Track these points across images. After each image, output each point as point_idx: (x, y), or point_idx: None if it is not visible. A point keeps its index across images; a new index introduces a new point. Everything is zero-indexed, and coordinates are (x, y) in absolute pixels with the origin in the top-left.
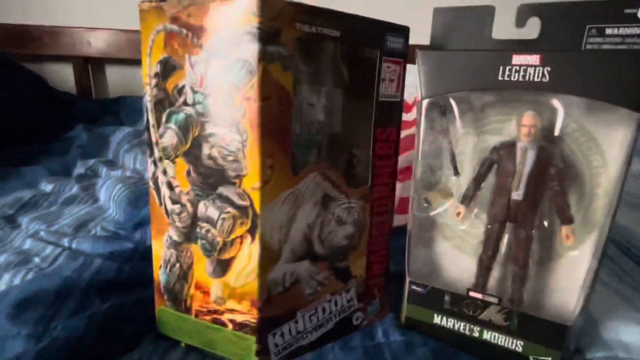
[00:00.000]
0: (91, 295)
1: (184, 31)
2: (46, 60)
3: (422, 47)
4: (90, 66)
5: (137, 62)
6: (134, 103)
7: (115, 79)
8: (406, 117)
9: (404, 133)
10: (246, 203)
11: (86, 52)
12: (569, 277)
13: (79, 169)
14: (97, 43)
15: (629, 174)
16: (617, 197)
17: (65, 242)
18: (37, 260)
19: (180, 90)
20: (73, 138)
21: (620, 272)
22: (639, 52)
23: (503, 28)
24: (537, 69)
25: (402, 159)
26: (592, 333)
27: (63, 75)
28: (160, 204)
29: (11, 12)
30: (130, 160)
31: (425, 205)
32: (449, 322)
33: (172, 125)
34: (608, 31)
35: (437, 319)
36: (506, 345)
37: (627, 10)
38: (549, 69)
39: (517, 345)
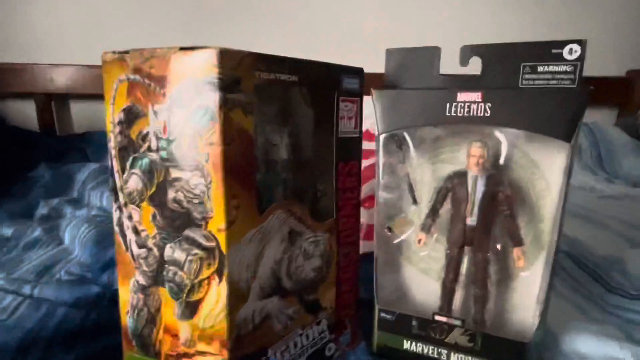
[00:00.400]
0: (55, 347)
1: (147, 81)
2: (7, 97)
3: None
4: (54, 102)
5: (102, 97)
6: (101, 138)
7: (81, 114)
8: (372, 145)
9: (369, 161)
10: (213, 244)
11: (49, 88)
12: (525, 296)
13: (42, 210)
14: (60, 79)
15: (582, 189)
16: (559, 217)
17: (27, 289)
18: None
19: (145, 137)
20: (36, 177)
21: (575, 284)
22: (565, 89)
23: (449, 66)
24: (479, 104)
25: (369, 187)
26: (552, 347)
27: (25, 112)
28: (127, 249)
29: None
30: (97, 198)
31: (389, 234)
32: (418, 347)
33: (136, 170)
34: (540, 69)
35: (406, 345)
36: None
37: (554, 51)
38: (489, 104)
39: None
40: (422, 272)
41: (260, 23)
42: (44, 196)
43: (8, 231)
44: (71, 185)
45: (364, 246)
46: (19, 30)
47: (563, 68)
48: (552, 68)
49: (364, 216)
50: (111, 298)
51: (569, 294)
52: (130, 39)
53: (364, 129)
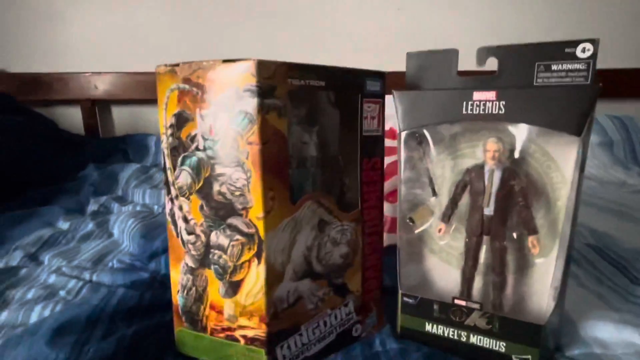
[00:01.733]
0: (117, 321)
1: (194, 89)
2: (56, 104)
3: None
4: (97, 107)
5: (141, 102)
6: (140, 140)
7: (121, 118)
8: (394, 143)
9: (392, 158)
10: (252, 231)
11: (93, 94)
12: (541, 282)
13: (92, 206)
14: (103, 86)
15: (613, 183)
16: (572, 207)
17: (87, 275)
18: (62, 293)
19: (193, 138)
20: (85, 177)
21: (600, 276)
22: (574, 86)
23: (468, 66)
24: (494, 103)
25: (392, 183)
26: (571, 332)
27: (71, 118)
28: (177, 235)
29: (22, 61)
30: (139, 196)
31: (410, 224)
32: (439, 329)
33: (186, 167)
34: (554, 67)
35: (428, 327)
36: (491, 347)
37: (567, 50)
38: (503, 102)
39: (500, 346)
40: (442, 261)
41: (277, 27)
42: (93, 194)
43: (65, 225)
44: (116, 184)
45: (388, 238)
46: (64, 42)
47: (576, 66)
48: (565, 66)
49: (389, 210)
50: (161, 281)
51: (592, 285)
52: (163, 46)
53: (387, 127)
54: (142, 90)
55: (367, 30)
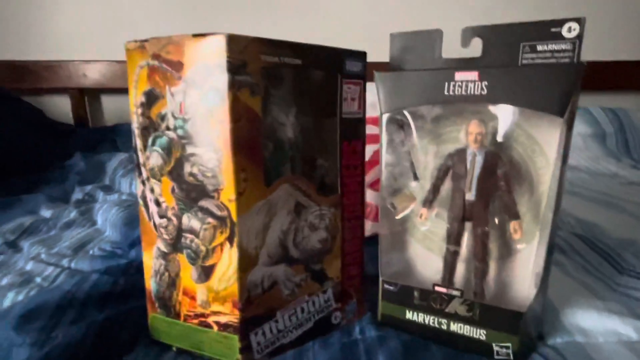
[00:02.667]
0: (89, 307)
1: (164, 66)
2: (44, 93)
3: (382, 66)
4: (87, 97)
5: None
6: (130, 130)
7: (111, 107)
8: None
9: (377, 146)
10: (224, 213)
11: (82, 83)
12: (523, 269)
13: (77, 195)
14: (92, 74)
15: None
16: (555, 192)
17: (65, 262)
18: (38, 280)
19: (163, 117)
20: (71, 166)
21: (587, 265)
22: (557, 65)
23: (452, 49)
24: (476, 83)
25: (377, 171)
26: (554, 321)
27: (60, 107)
28: (149, 219)
29: (10, 49)
30: (126, 185)
31: (392, 209)
32: (420, 317)
33: (157, 148)
34: (539, 47)
35: (409, 315)
36: (471, 334)
37: (553, 29)
38: (486, 83)
39: (480, 334)
40: (425, 248)
41: (268, 12)
42: (79, 183)
43: (47, 213)
44: (103, 173)
45: (372, 227)
46: (53, 29)
47: (562, 46)
48: (551, 47)
49: (374, 199)
50: (138, 268)
51: (579, 274)
52: (153, 33)
53: (373, 114)
54: None
55: (357, 18)
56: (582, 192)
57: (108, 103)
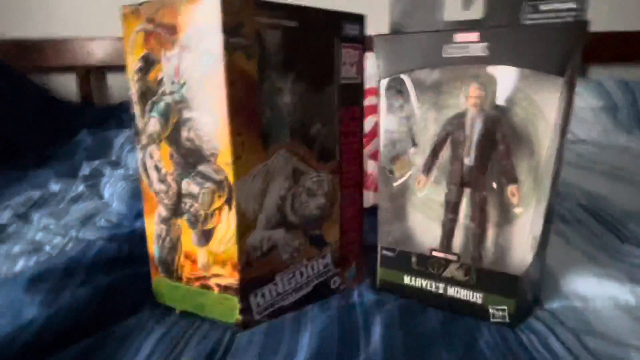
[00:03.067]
0: (95, 271)
1: (159, 30)
2: (50, 71)
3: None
4: (92, 74)
5: None
6: None
7: (117, 85)
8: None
9: (376, 118)
10: (222, 177)
11: (87, 61)
12: (521, 233)
13: (85, 170)
14: (97, 52)
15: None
16: (555, 157)
17: (73, 232)
18: (47, 248)
19: (160, 82)
20: (79, 142)
21: (590, 235)
22: (559, 23)
23: (453, 11)
24: (476, 45)
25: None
26: (552, 286)
27: (66, 85)
28: (149, 185)
29: (16, 27)
30: (133, 160)
31: (390, 175)
32: (417, 281)
33: (154, 114)
34: (542, 7)
35: (406, 280)
36: (468, 298)
37: None
38: (486, 44)
39: (477, 297)
40: (423, 214)
41: None
42: (86, 158)
43: (56, 187)
44: (110, 149)
45: (374, 197)
46: (57, 6)
47: (568, 5)
48: (555, 5)
49: (374, 169)
50: (142, 236)
51: (581, 244)
52: None
53: (373, 86)
54: None
55: None
56: (590, 165)
57: (113, 81)
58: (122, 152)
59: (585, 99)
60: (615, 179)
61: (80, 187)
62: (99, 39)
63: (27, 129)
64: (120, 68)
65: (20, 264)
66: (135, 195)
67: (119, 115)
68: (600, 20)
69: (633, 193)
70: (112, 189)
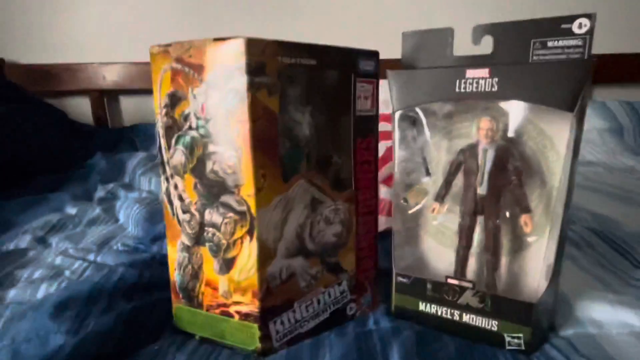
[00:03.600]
0: (117, 298)
1: (187, 69)
2: (65, 95)
3: (394, 62)
4: (106, 98)
5: (148, 92)
6: (148, 129)
7: (129, 108)
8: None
9: (388, 143)
10: (244, 208)
11: (101, 85)
12: (535, 261)
13: (100, 193)
14: (111, 76)
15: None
16: (567, 186)
17: (91, 257)
18: (67, 273)
19: (186, 117)
20: (93, 165)
21: (601, 259)
22: (567, 61)
23: (463, 46)
24: (487, 80)
25: (391, 167)
26: (567, 313)
27: (81, 108)
28: (173, 214)
29: (32, 53)
30: (146, 183)
31: (405, 204)
32: (432, 308)
33: (180, 146)
34: (550, 44)
35: (422, 306)
36: (483, 325)
37: (563, 26)
38: (497, 79)
39: (492, 325)
40: (437, 241)
41: (282, 12)
42: (100, 181)
43: (73, 210)
44: (123, 172)
45: (386, 222)
46: (72, 33)
47: (573, 42)
48: (561, 43)
49: (387, 194)
50: (161, 261)
51: (593, 268)
52: (171, 36)
53: (386, 112)
54: (150, 80)
55: (370, 17)
56: (598, 186)
57: (126, 104)
58: (135, 175)
59: (591, 121)
60: (624, 201)
61: (97, 210)
62: (112, 64)
63: (43, 152)
64: (133, 91)
65: (42, 290)
66: (150, 218)
67: (131, 138)
68: (604, 42)
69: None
70: (127, 212)
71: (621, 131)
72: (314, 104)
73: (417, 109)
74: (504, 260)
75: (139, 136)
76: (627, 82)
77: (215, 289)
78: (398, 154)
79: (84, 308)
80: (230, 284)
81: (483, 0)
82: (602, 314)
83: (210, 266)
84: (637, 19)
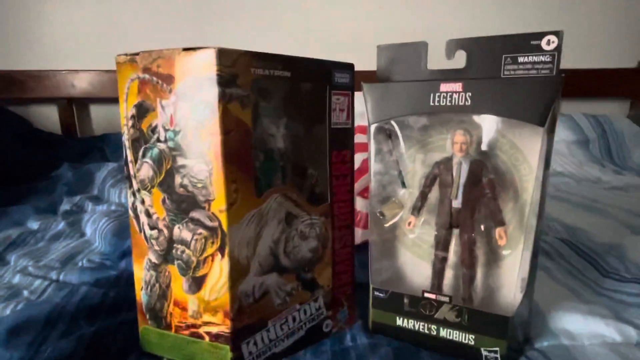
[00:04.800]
0: (79, 320)
1: (155, 79)
2: (31, 102)
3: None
4: (75, 106)
5: (119, 100)
6: (119, 139)
7: (100, 117)
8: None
9: (364, 155)
10: (215, 224)
11: (70, 93)
12: (510, 275)
13: (65, 206)
14: (80, 84)
15: (589, 180)
16: (537, 199)
17: (53, 275)
18: (26, 293)
19: (154, 129)
20: (59, 176)
21: (572, 269)
22: (538, 77)
23: (437, 60)
24: (460, 94)
25: (368, 179)
26: (541, 324)
27: (48, 117)
28: (140, 230)
29: None
30: (115, 195)
31: (381, 217)
32: (410, 323)
33: (147, 159)
34: (520, 59)
35: (399, 321)
36: (460, 340)
37: (533, 42)
38: (469, 94)
39: (469, 339)
40: (414, 255)
41: (257, 24)
42: (67, 193)
43: (35, 225)
44: (92, 183)
45: (363, 235)
46: (40, 38)
47: (542, 58)
48: (531, 59)
49: (363, 207)
50: (127, 280)
51: (563, 278)
52: (142, 44)
53: (362, 124)
54: None
55: (346, 30)
56: (567, 197)
57: (97, 112)
58: (105, 187)
59: (560, 133)
60: (591, 211)
61: (61, 225)
62: (82, 71)
63: (5, 161)
64: (103, 100)
65: None
66: (119, 233)
67: (101, 148)
68: (571, 58)
69: (609, 225)
70: (95, 226)
71: (587, 143)
72: (289, 116)
73: (393, 122)
74: (479, 273)
75: (109, 146)
76: (592, 96)
77: (184, 309)
78: (374, 167)
79: (41, 332)
80: (200, 303)
81: (456, 15)
82: (575, 325)
83: (179, 285)
84: (601, 36)
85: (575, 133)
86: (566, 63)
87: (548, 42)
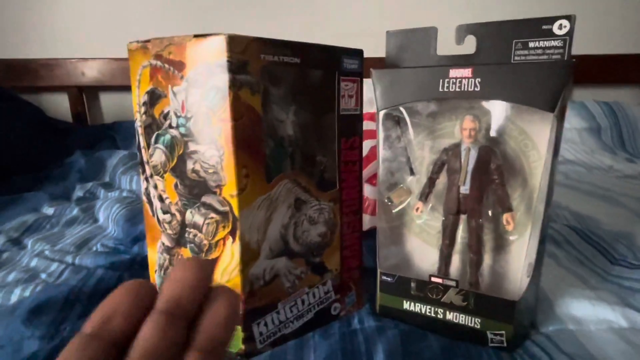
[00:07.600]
0: (95, 301)
1: (166, 66)
2: (42, 91)
3: (378, 61)
4: (85, 94)
5: (129, 88)
6: (129, 127)
7: (110, 105)
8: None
9: (373, 142)
10: (226, 209)
11: (80, 81)
12: (517, 260)
13: (78, 192)
14: (90, 72)
15: (600, 168)
16: (546, 185)
17: (69, 259)
18: (44, 276)
19: (166, 116)
20: (72, 163)
21: (580, 257)
22: (548, 62)
23: (446, 46)
24: (470, 80)
25: (376, 166)
26: (547, 310)
27: (59, 105)
28: (153, 214)
29: (8, 47)
30: (126, 182)
31: (389, 203)
32: (417, 307)
33: (160, 145)
34: (531, 44)
35: (406, 305)
36: (466, 323)
37: (544, 26)
38: (479, 79)
39: (475, 322)
40: (421, 240)
41: (266, 11)
42: (79, 180)
43: (50, 210)
44: (103, 170)
45: (371, 221)
46: (51, 27)
47: (553, 43)
48: (542, 44)
49: (371, 193)
50: (141, 263)
51: (572, 265)
52: (152, 32)
53: (371, 111)
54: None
55: (355, 16)
56: (577, 185)
57: (106, 100)
58: (116, 174)
59: (571, 120)
60: (602, 199)
61: (75, 210)
62: (92, 59)
63: (19, 149)
64: (113, 88)
65: (16, 294)
66: (131, 219)
67: (112, 136)
68: (583, 43)
69: (619, 214)
70: (107, 212)
71: (599, 131)
72: (298, 103)
73: (401, 108)
74: (486, 259)
75: (119, 134)
76: (605, 82)
77: None
78: (382, 153)
79: (61, 312)
80: None
81: (466, 0)
82: (581, 311)
83: None
84: (615, 21)
85: (587, 120)
86: (578, 48)
87: (560, 27)
